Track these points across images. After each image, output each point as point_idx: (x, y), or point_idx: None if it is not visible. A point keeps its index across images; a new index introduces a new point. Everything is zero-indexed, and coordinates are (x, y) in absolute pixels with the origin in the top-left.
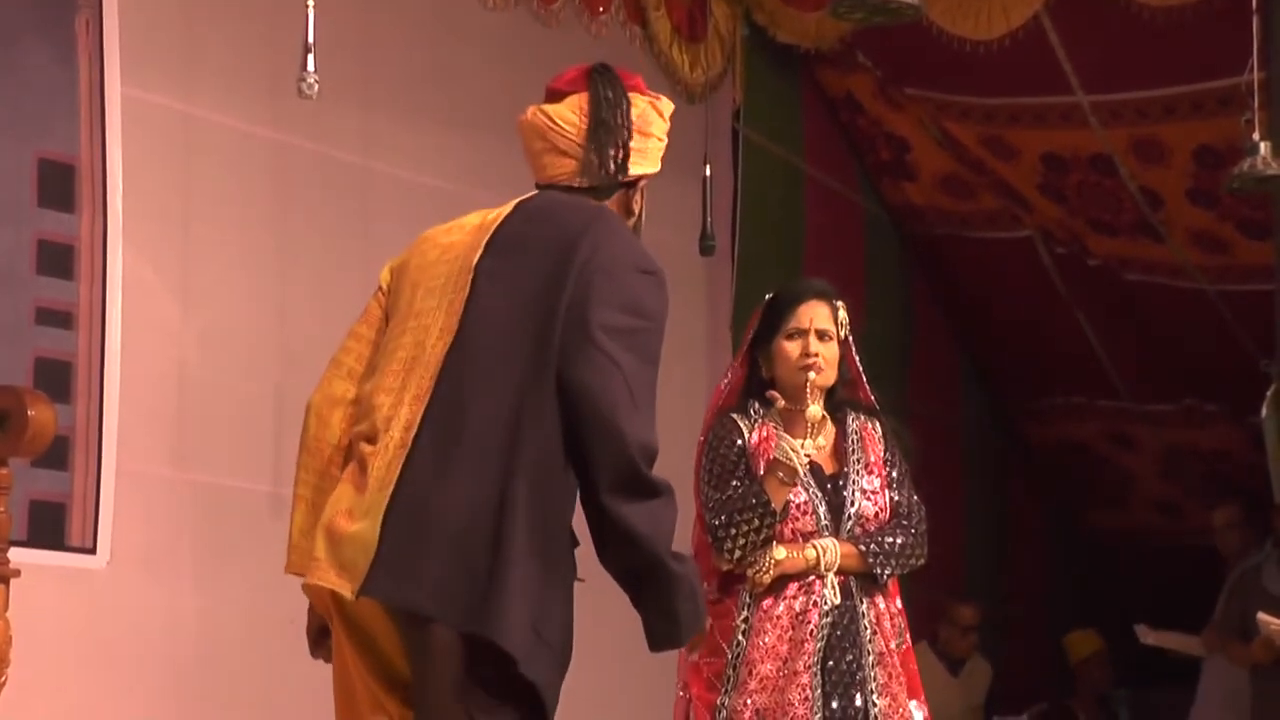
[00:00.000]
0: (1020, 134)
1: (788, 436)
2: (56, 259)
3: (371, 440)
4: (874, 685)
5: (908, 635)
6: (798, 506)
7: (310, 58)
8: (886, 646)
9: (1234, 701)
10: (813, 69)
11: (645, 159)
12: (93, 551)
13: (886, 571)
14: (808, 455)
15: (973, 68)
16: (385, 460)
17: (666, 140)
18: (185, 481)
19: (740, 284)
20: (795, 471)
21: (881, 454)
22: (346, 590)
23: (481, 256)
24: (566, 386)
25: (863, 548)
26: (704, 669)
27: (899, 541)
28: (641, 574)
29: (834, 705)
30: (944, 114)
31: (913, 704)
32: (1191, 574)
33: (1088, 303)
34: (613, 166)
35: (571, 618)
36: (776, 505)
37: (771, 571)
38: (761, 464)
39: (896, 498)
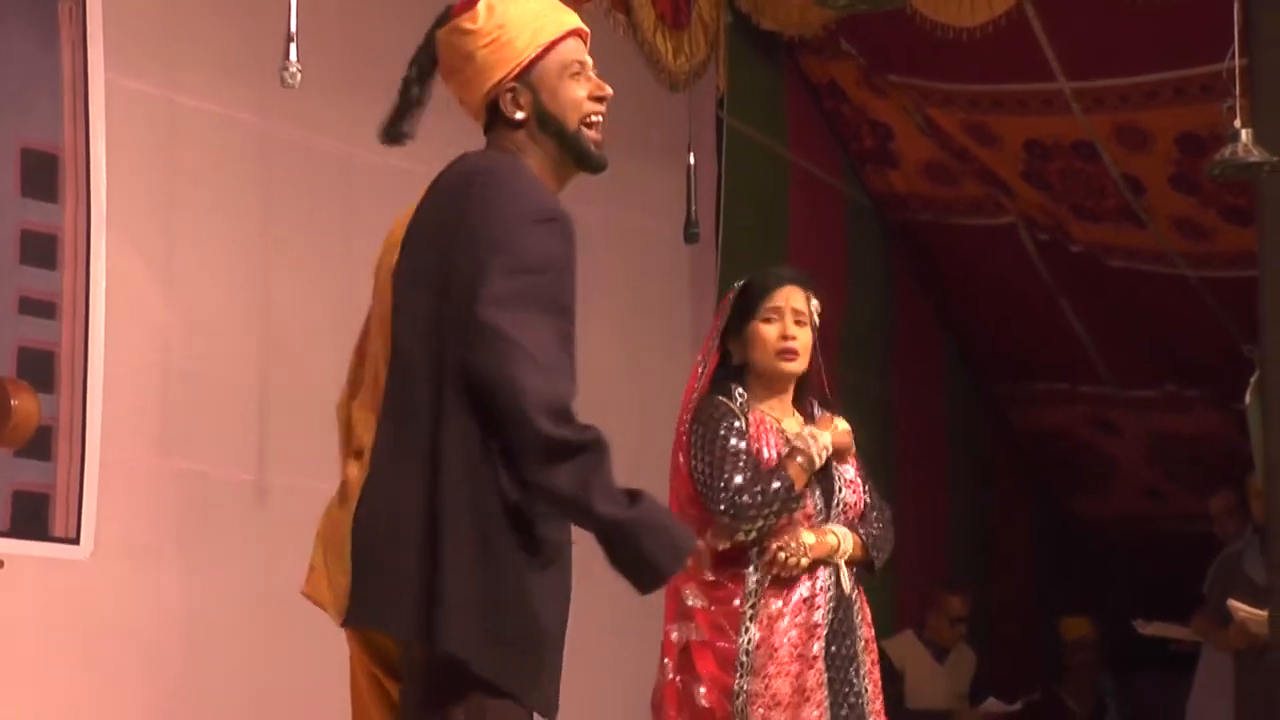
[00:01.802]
0: (1003, 121)
1: (808, 426)
2: (40, 248)
3: (358, 457)
4: (864, 670)
5: None
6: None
7: (293, 46)
8: (870, 633)
9: (1228, 686)
10: (796, 56)
11: (479, 80)
12: (76, 542)
13: (880, 560)
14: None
15: (956, 55)
16: (358, 479)
17: (498, 32)
18: (169, 471)
19: (725, 272)
20: (812, 460)
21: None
22: (335, 619)
23: (399, 258)
24: (467, 375)
25: (866, 538)
26: (712, 650)
27: (881, 529)
28: (595, 534)
29: (838, 689)
30: (927, 101)
31: None
32: (1177, 559)
33: (1071, 289)
34: (476, 105)
35: (540, 604)
36: (799, 489)
37: (808, 556)
38: (758, 446)
39: (868, 499)
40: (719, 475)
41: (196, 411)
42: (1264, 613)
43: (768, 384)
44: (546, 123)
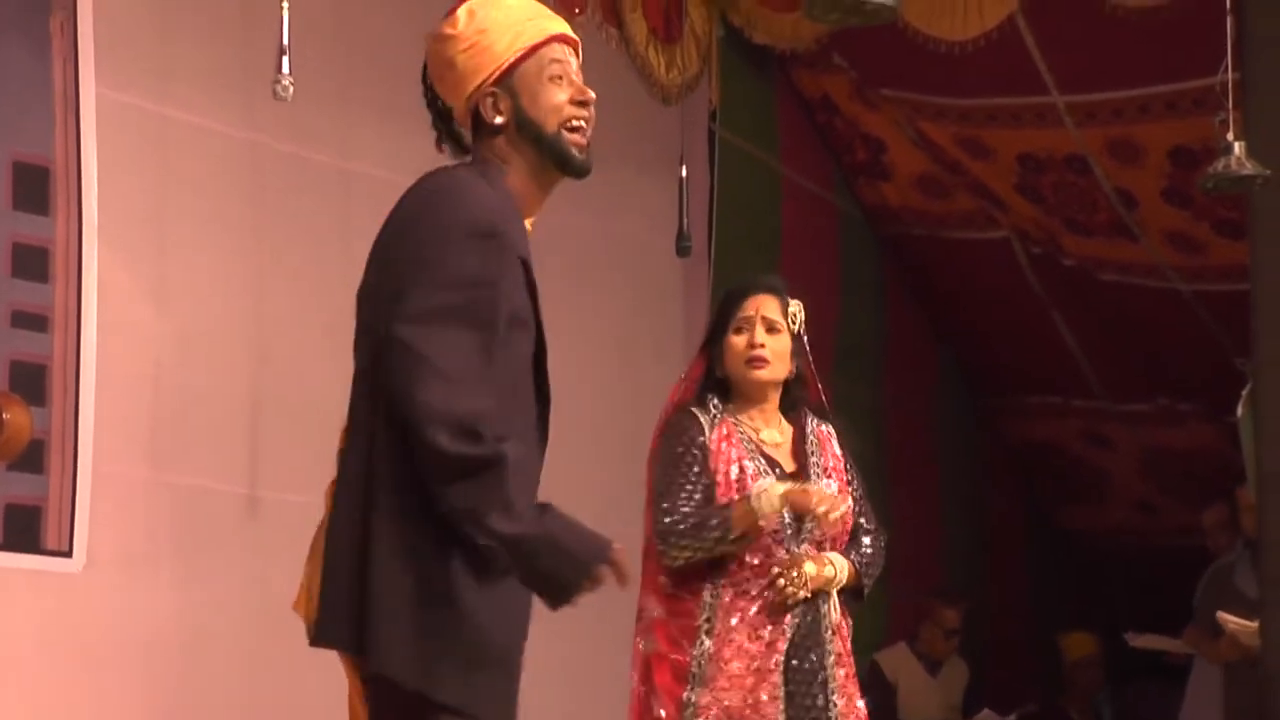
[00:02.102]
0: (996, 134)
1: (776, 486)
2: (31, 262)
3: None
4: (834, 685)
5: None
6: None
7: (285, 59)
8: (844, 648)
9: (1219, 698)
10: (789, 70)
11: (460, 86)
12: (69, 554)
13: (868, 586)
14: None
15: (948, 68)
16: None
17: (478, 37)
18: (161, 484)
19: (717, 284)
20: (759, 529)
21: (843, 466)
22: (308, 636)
23: (363, 278)
24: (384, 391)
25: (856, 564)
26: (668, 662)
27: (874, 555)
28: (498, 551)
29: (798, 704)
30: (920, 114)
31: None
32: (1170, 572)
33: (1064, 303)
34: (438, 124)
35: (487, 618)
36: (734, 534)
37: (808, 588)
38: (721, 463)
39: (863, 520)
40: (662, 498)
41: (189, 424)
42: (1255, 625)
43: (744, 394)
44: (525, 127)
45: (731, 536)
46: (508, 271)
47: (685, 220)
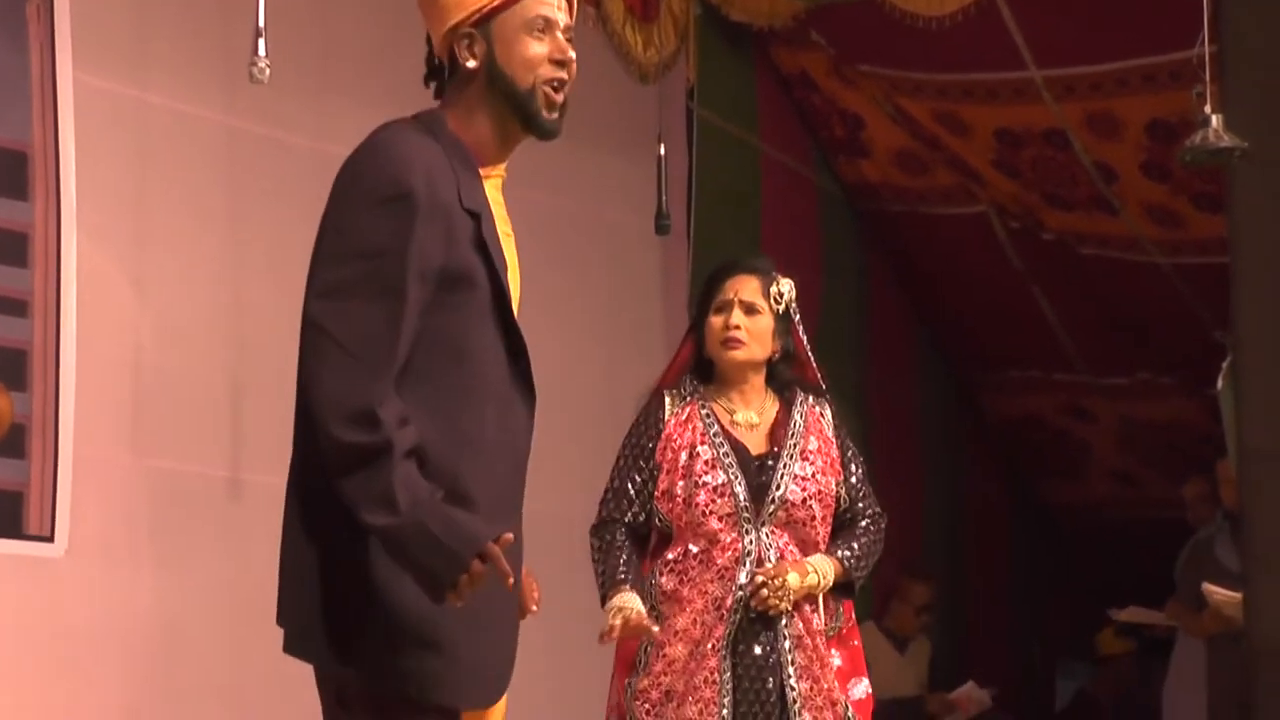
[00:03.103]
0: (974, 109)
1: (621, 612)
2: (10, 247)
3: None
4: (792, 669)
5: (846, 614)
6: (714, 489)
7: (261, 42)
8: (807, 629)
9: (1203, 670)
10: (766, 47)
11: (440, 21)
12: (51, 540)
13: (861, 579)
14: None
15: (926, 44)
16: None
17: None
18: (142, 468)
19: (696, 263)
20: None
21: (833, 449)
22: None
23: None
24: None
25: (844, 562)
26: (624, 647)
27: (870, 547)
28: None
29: (746, 688)
30: (898, 90)
31: (854, 682)
32: (1151, 545)
33: (1043, 277)
34: (439, 50)
35: (405, 597)
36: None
37: (790, 600)
38: (671, 449)
39: (861, 504)
40: (605, 496)
41: (169, 408)
42: (1239, 596)
43: (723, 375)
44: (496, 78)
45: (599, 594)
46: (423, 231)
47: (664, 199)
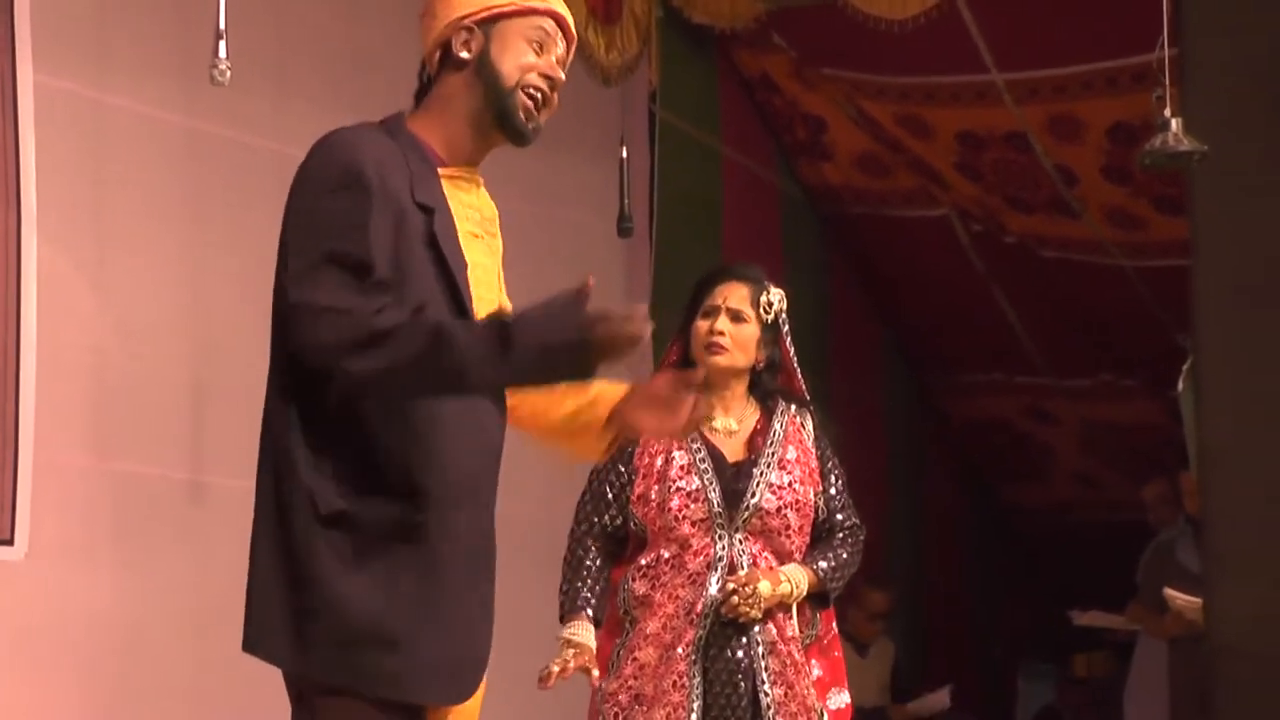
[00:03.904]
0: (936, 112)
1: (569, 647)
2: None
3: None
4: (765, 675)
5: (826, 624)
6: (688, 494)
7: (222, 44)
8: (780, 636)
9: (1164, 673)
10: (728, 50)
11: (445, 15)
12: (11, 543)
13: (837, 590)
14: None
15: (888, 47)
16: None
17: None
18: (104, 471)
19: (659, 266)
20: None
21: (812, 459)
22: None
23: None
24: (301, 359)
25: (820, 573)
26: (602, 651)
27: (846, 559)
28: (453, 386)
29: (716, 692)
30: (860, 93)
31: (834, 693)
32: (1113, 547)
33: (1005, 280)
34: (433, 42)
35: (359, 597)
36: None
37: (760, 609)
38: (648, 454)
39: (840, 516)
40: (583, 499)
41: (130, 411)
42: (1200, 600)
43: (707, 381)
44: (484, 71)
45: (559, 614)
46: (378, 217)
47: (626, 202)
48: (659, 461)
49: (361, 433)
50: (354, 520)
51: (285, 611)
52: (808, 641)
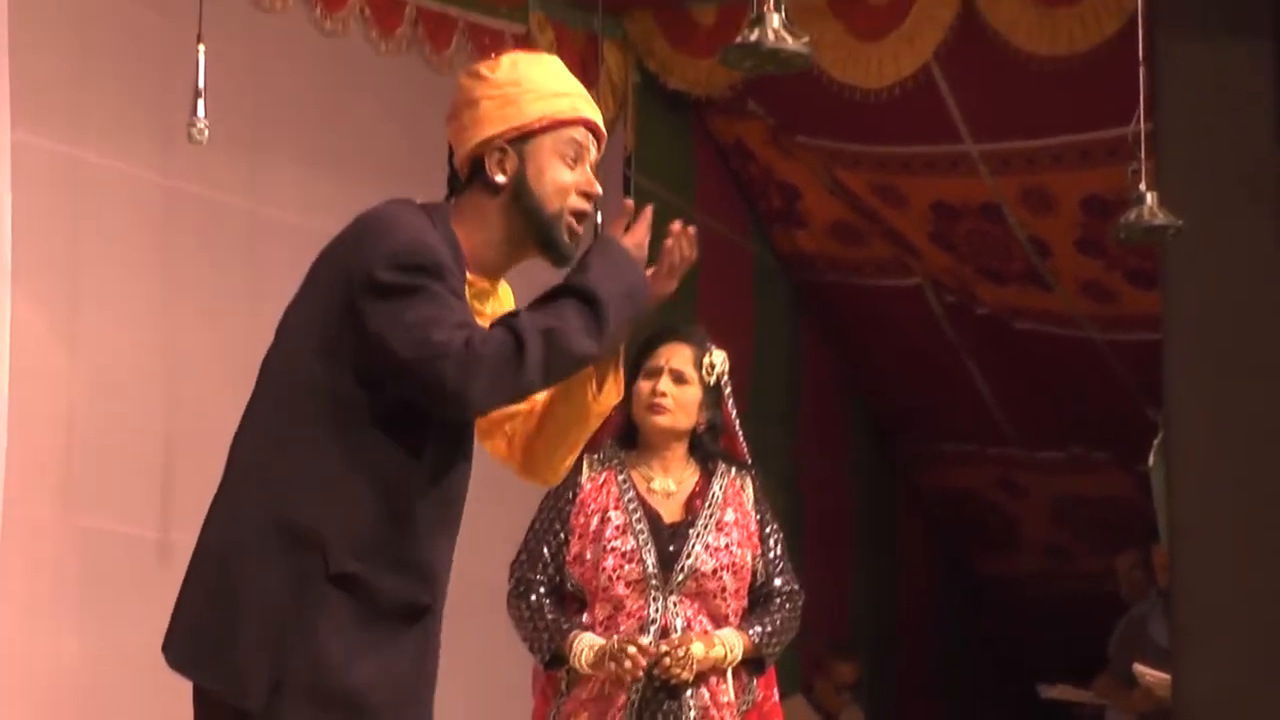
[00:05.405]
0: (911, 182)
1: (637, 642)
2: None
3: None
4: None
5: (765, 691)
6: (623, 554)
7: (201, 103)
8: (714, 701)
9: None
10: (704, 116)
11: (475, 128)
12: None
13: (773, 656)
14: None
15: (863, 116)
16: None
17: (510, 88)
18: (72, 528)
19: (632, 330)
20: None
21: (751, 522)
22: None
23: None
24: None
25: (755, 638)
26: (541, 711)
27: (782, 624)
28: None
29: None
30: (835, 162)
31: None
32: (1082, 619)
33: (978, 351)
34: (463, 156)
35: (345, 659)
36: (560, 652)
37: (692, 671)
38: (584, 514)
39: (779, 581)
40: (519, 558)
41: (100, 467)
42: (1168, 677)
43: (646, 441)
44: (523, 198)
45: (555, 654)
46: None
47: None
48: (595, 521)
49: (385, 502)
50: (365, 586)
51: (260, 652)
52: (745, 708)
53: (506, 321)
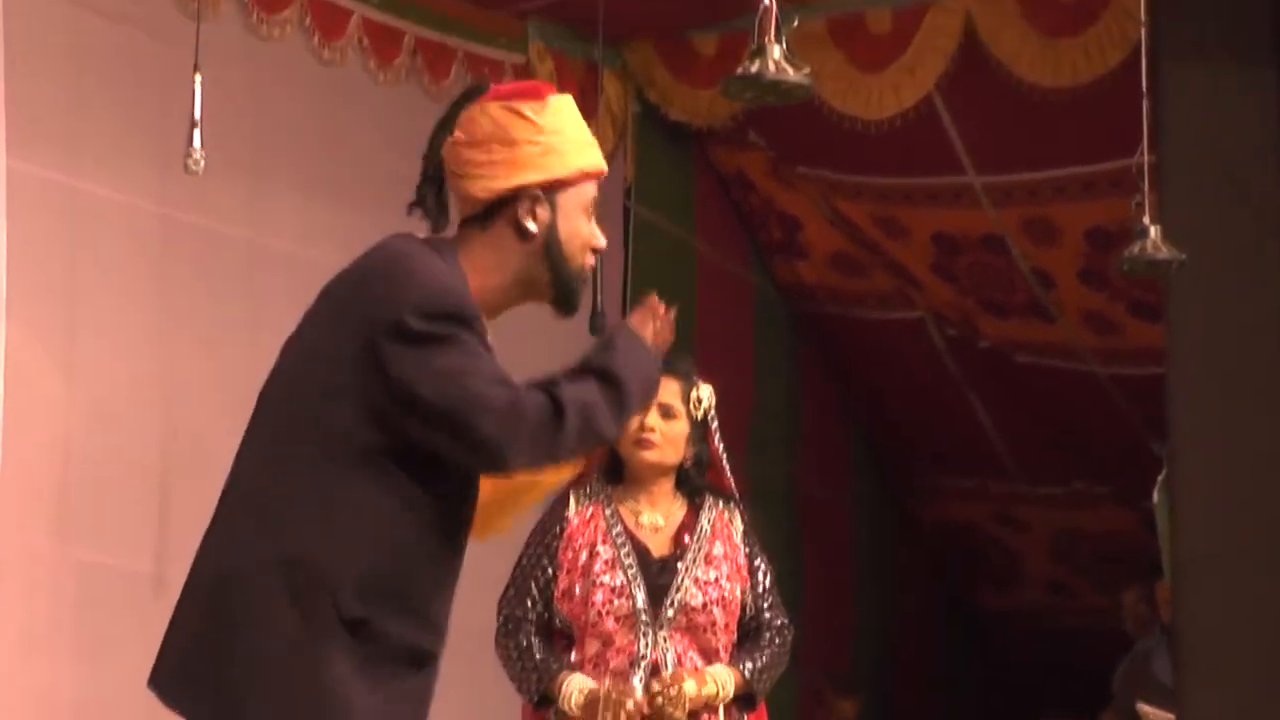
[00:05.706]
0: (912, 213)
1: (634, 696)
2: None
3: None
4: None
5: None
6: (612, 589)
7: (197, 133)
8: None
9: None
10: (705, 146)
11: (510, 170)
12: None
13: (763, 691)
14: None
15: (864, 147)
16: None
17: (553, 136)
18: (68, 560)
19: None
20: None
21: (739, 555)
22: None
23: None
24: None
25: (747, 674)
26: None
27: (773, 659)
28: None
29: None
30: (836, 193)
31: None
32: (1083, 654)
33: (979, 384)
34: (428, 201)
35: (345, 693)
36: (549, 693)
37: (686, 709)
38: (573, 548)
39: (768, 614)
40: (506, 594)
41: (96, 500)
42: (1173, 716)
43: (634, 475)
44: (552, 249)
45: (546, 695)
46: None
47: (599, 297)
48: (583, 556)
49: (395, 551)
50: (375, 632)
51: (254, 680)
52: None
53: (547, 388)
